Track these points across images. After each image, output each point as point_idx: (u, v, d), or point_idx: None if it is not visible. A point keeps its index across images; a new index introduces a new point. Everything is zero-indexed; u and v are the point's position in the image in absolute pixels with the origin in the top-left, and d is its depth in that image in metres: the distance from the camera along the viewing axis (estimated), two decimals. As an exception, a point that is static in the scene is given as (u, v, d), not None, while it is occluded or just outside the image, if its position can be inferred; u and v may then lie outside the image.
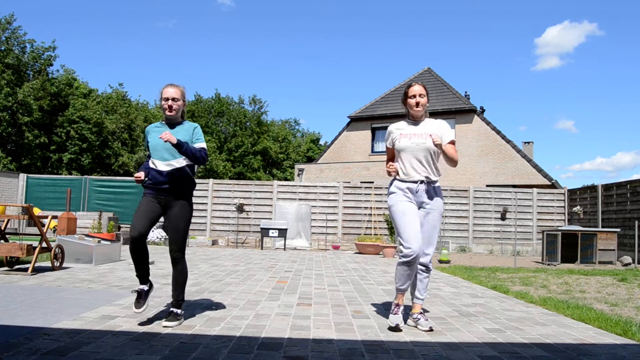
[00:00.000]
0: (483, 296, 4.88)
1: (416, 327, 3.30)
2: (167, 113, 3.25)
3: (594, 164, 64.91)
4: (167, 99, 3.23)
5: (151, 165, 3.26)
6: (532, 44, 59.00)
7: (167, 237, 12.21)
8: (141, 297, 3.18)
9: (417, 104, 3.35)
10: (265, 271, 6.64)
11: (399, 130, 3.43)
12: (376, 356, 2.56)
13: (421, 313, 3.35)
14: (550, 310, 4.13)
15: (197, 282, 5.21)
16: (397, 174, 3.39)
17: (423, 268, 3.37)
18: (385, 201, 13.83)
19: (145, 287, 3.23)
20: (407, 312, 3.52)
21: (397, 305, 3.29)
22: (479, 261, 10.32)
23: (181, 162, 3.25)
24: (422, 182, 3.31)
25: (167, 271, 6.01)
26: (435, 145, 3.29)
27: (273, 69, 68.49)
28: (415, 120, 3.43)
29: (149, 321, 3.22)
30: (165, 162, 3.22)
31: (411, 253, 3.16)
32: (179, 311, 3.23)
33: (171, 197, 3.24)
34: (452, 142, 3.38)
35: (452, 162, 3.38)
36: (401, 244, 3.24)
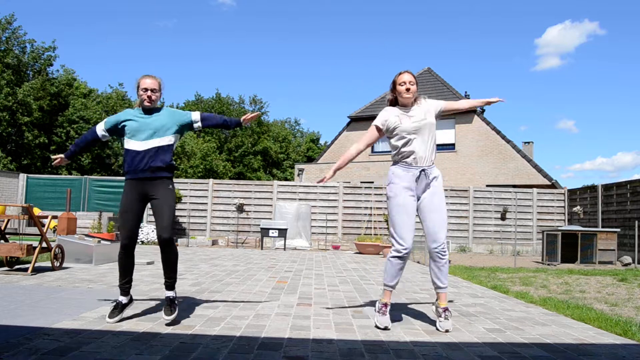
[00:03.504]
0: (483, 296, 4.88)
1: (437, 320, 3.27)
2: (146, 103, 3.33)
3: (594, 163, 64.93)
4: (147, 89, 3.31)
5: (127, 147, 3.29)
6: (532, 44, 59.01)
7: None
8: (117, 309, 3.21)
9: (408, 90, 3.34)
10: (265, 271, 6.64)
11: (396, 115, 3.38)
12: (376, 356, 2.56)
13: (446, 309, 3.27)
14: (550, 310, 4.13)
15: (197, 282, 5.20)
16: (398, 157, 3.36)
17: (440, 254, 3.27)
18: (386, 201, 13.82)
19: (125, 300, 3.29)
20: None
21: (385, 305, 3.27)
22: (479, 261, 10.32)
23: (164, 140, 3.30)
24: (423, 169, 3.29)
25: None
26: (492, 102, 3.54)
27: (273, 69, 68.53)
28: (405, 107, 3.41)
29: (149, 321, 3.21)
30: (145, 142, 3.26)
31: (404, 249, 3.20)
32: (171, 294, 3.24)
33: (152, 181, 3.27)
34: (448, 103, 3.52)
35: (464, 107, 3.58)
36: (394, 239, 3.24)
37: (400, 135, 3.33)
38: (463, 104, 3.61)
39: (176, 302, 3.27)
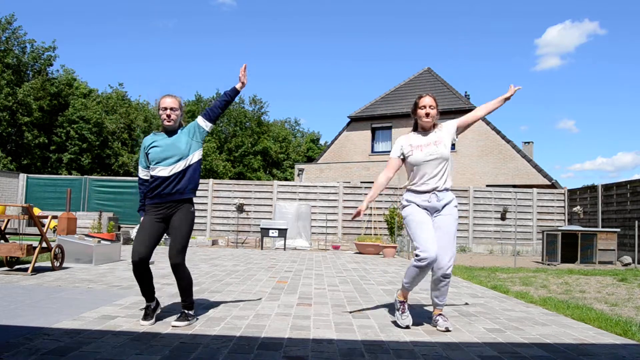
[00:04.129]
0: (483, 296, 4.88)
1: (435, 327, 3.31)
2: (166, 123, 3.27)
3: (594, 163, 64.93)
4: (166, 109, 3.25)
5: (153, 174, 3.22)
6: (532, 45, 59.02)
7: (167, 237, 12.22)
8: (148, 314, 3.21)
9: (427, 115, 3.34)
10: (265, 271, 6.64)
11: (410, 144, 3.39)
12: (376, 356, 2.56)
13: (440, 314, 3.34)
14: (550, 310, 4.13)
15: (197, 282, 5.20)
16: (411, 184, 3.39)
17: (441, 278, 3.24)
18: (386, 201, 13.83)
19: (153, 305, 3.28)
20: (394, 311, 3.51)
21: (403, 302, 3.32)
22: (479, 261, 10.32)
23: (189, 160, 3.26)
24: (434, 191, 3.30)
25: (167, 271, 6.00)
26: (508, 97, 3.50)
27: (273, 69, 68.53)
28: (424, 131, 3.41)
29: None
30: (171, 166, 3.20)
31: (427, 256, 3.12)
32: (190, 312, 3.25)
33: (175, 203, 3.23)
34: (463, 122, 3.51)
35: (481, 113, 3.56)
36: (417, 249, 3.20)
37: (411, 166, 3.37)
38: (480, 112, 3.55)
39: (192, 317, 3.25)
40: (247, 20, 63.66)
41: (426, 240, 3.16)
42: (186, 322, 3.15)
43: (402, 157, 3.42)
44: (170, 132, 3.31)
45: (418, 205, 3.32)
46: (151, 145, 3.27)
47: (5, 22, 26.25)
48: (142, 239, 3.16)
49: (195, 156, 3.31)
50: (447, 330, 3.18)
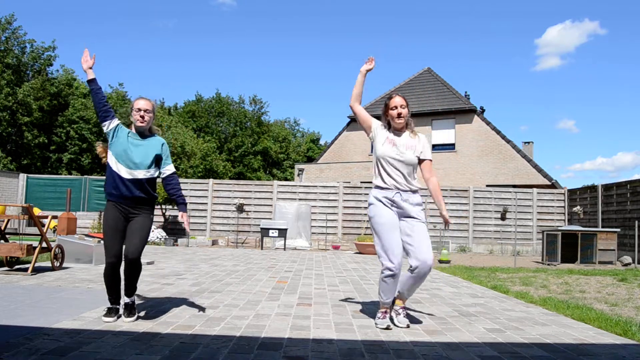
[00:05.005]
0: (483, 296, 4.88)
1: (392, 321, 3.28)
2: (139, 124, 3.33)
3: (594, 163, 64.92)
4: (140, 110, 3.32)
5: (114, 169, 3.26)
6: (532, 45, 59.02)
7: (167, 236, 12.24)
8: (112, 311, 3.25)
9: (399, 115, 3.34)
10: (265, 271, 6.64)
11: (385, 133, 3.38)
12: (376, 356, 2.56)
13: (404, 307, 3.36)
14: (550, 310, 4.13)
15: (197, 282, 5.20)
16: (376, 181, 3.38)
17: (418, 276, 3.24)
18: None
19: (118, 307, 3.31)
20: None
21: (385, 311, 3.30)
22: (479, 261, 10.32)
23: (144, 174, 3.29)
24: (399, 192, 3.29)
25: (167, 271, 6.00)
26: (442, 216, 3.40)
27: (273, 69, 68.54)
28: (397, 131, 3.40)
29: (149, 321, 3.21)
30: (129, 171, 3.25)
31: (395, 268, 3.16)
32: (129, 300, 3.28)
33: (134, 207, 3.29)
34: (430, 161, 3.41)
35: (429, 175, 3.41)
36: (384, 258, 3.19)
37: (379, 158, 3.35)
38: (431, 184, 3.42)
39: (135, 306, 3.33)
40: (247, 20, 63.70)
41: (394, 250, 3.18)
42: (134, 317, 3.22)
43: (373, 132, 3.43)
44: (141, 134, 3.37)
45: (384, 203, 3.30)
46: (125, 137, 3.31)
47: (5, 22, 26.24)
48: (113, 236, 3.27)
49: (151, 172, 3.34)
50: (407, 327, 3.21)
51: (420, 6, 59.88)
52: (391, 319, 3.32)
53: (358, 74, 3.53)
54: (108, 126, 3.32)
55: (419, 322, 3.48)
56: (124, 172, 3.24)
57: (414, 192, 3.35)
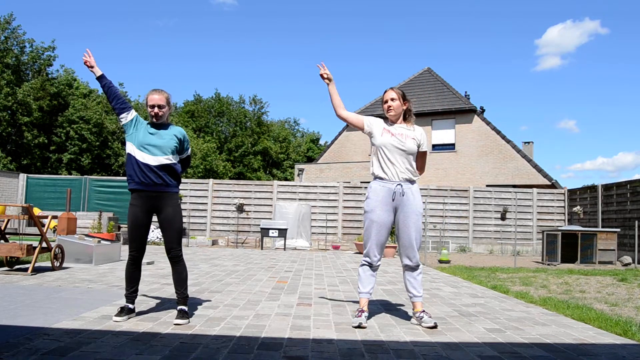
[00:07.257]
0: (483, 296, 4.88)
1: (420, 325, 3.32)
2: (154, 121, 3.33)
3: (595, 163, 64.94)
4: (153, 107, 3.30)
5: (138, 157, 3.22)
6: (532, 45, 59.01)
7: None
8: (124, 311, 3.25)
9: (389, 108, 3.45)
10: (265, 271, 6.64)
11: (381, 124, 3.49)
12: (376, 356, 2.56)
13: (423, 311, 3.39)
14: (550, 310, 4.13)
15: (197, 282, 5.20)
16: (376, 171, 3.45)
17: (412, 269, 3.45)
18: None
19: (131, 306, 3.32)
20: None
21: (362, 311, 3.35)
22: (479, 261, 10.32)
23: (171, 158, 3.30)
24: (400, 184, 3.36)
25: (167, 271, 5.99)
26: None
27: (273, 69, 68.55)
28: (392, 122, 3.50)
29: (149, 321, 3.21)
30: (153, 158, 3.23)
31: (372, 262, 3.41)
32: (186, 308, 3.30)
33: (161, 198, 3.28)
34: (425, 153, 3.54)
35: (421, 170, 3.57)
36: (367, 250, 3.40)
37: (380, 147, 3.41)
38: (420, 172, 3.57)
39: (188, 315, 3.31)
40: (248, 20, 63.71)
41: (378, 247, 3.40)
42: (187, 320, 3.18)
43: (368, 127, 3.50)
44: (158, 127, 3.35)
45: (381, 200, 3.37)
46: (144, 128, 3.33)
47: (4, 22, 26.24)
48: (137, 232, 3.31)
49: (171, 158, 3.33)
50: (435, 326, 3.25)
51: (420, 6, 59.92)
52: (418, 322, 3.35)
53: (330, 86, 3.60)
54: (127, 118, 3.32)
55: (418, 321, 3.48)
56: (149, 159, 3.21)
57: (413, 182, 3.43)
